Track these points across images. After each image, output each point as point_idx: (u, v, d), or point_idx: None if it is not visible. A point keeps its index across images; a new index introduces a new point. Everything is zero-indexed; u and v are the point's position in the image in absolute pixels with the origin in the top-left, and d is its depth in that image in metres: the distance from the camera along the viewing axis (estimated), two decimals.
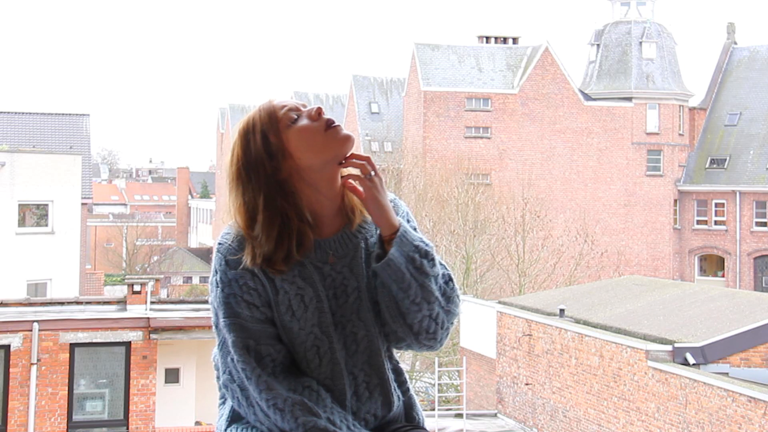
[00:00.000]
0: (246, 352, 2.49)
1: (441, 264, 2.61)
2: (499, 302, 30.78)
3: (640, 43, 61.04)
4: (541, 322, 26.74)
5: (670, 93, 60.80)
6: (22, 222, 33.90)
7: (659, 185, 59.97)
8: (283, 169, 2.53)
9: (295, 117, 2.55)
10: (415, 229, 2.66)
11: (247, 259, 2.50)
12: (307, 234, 2.53)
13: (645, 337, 22.67)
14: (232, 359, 2.52)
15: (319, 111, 2.56)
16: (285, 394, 2.47)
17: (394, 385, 2.65)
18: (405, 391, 2.70)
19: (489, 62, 60.26)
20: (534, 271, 45.22)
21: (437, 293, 2.55)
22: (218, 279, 2.53)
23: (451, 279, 2.61)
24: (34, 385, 21.32)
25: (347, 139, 2.54)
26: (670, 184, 60.19)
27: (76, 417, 21.79)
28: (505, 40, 63.06)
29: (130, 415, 21.95)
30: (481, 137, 58.25)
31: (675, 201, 60.05)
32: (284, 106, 2.58)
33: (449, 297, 2.58)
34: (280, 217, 2.51)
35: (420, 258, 2.52)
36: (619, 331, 23.73)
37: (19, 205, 33.65)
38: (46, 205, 33.95)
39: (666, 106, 60.74)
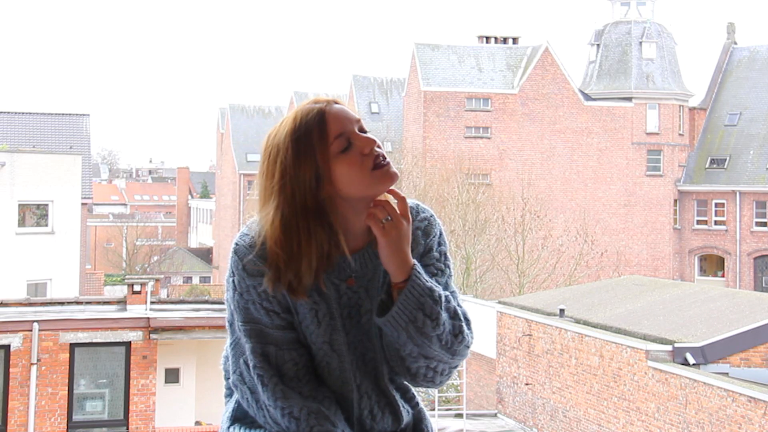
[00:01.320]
0: (264, 359, 2.43)
1: (454, 312, 2.47)
2: (499, 302, 30.76)
3: (640, 43, 60.95)
4: (541, 322, 26.73)
5: (670, 93, 60.56)
6: (22, 222, 33.91)
7: (659, 185, 59.86)
8: (324, 190, 2.41)
9: (347, 145, 2.41)
10: (444, 255, 2.58)
11: (268, 284, 2.41)
12: (333, 256, 2.45)
13: (645, 337, 22.67)
14: (246, 362, 2.46)
15: (371, 146, 2.42)
16: (301, 402, 2.42)
17: (401, 402, 2.60)
18: (414, 405, 2.65)
19: (489, 62, 60.18)
20: (534, 271, 45.19)
21: (437, 351, 2.45)
22: (236, 282, 2.45)
23: (461, 331, 2.46)
24: (34, 385, 21.31)
25: (392, 179, 2.42)
26: (670, 184, 60.02)
27: (76, 417, 21.80)
28: (505, 40, 62.96)
29: (130, 415, 21.95)
30: (481, 137, 58.18)
31: (675, 201, 59.56)
32: (339, 124, 2.42)
33: (455, 351, 2.47)
34: (316, 249, 2.41)
35: (424, 317, 2.40)
36: (619, 331, 23.73)
37: (19, 205, 33.66)
38: (46, 205, 33.95)
39: (666, 106, 60.58)
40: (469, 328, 2.51)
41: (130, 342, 21.98)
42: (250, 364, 2.44)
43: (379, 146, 2.44)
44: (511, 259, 44.81)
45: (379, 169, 2.41)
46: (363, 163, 2.40)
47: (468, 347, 2.50)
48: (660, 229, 59.29)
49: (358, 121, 2.45)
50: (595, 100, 60.15)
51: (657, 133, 60.07)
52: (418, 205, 2.58)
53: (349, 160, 2.39)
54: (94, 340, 21.78)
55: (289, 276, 2.40)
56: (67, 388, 21.55)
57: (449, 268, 2.58)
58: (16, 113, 47.29)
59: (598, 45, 62.29)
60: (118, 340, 22.02)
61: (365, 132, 2.46)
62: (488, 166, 57.15)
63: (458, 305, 2.52)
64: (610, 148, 59.34)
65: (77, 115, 47.19)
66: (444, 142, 56.90)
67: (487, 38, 62.92)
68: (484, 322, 29.66)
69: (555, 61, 59.60)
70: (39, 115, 47.14)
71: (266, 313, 2.43)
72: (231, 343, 2.51)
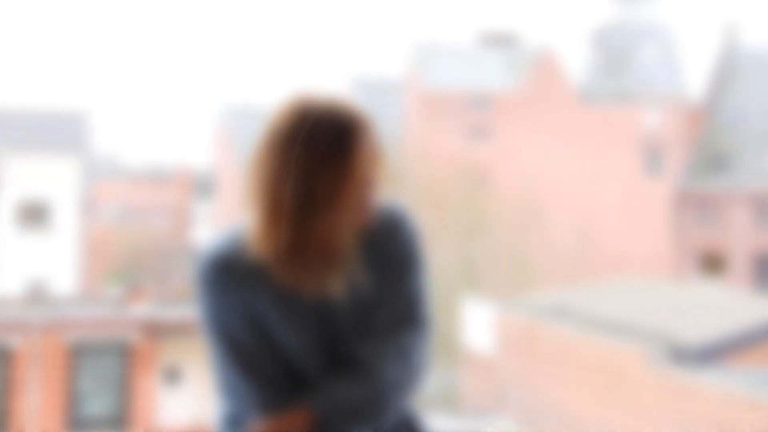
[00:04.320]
0: (244, 370, 2.41)
1: (373, 410, 2.34)
2: (499, 303, 30.76)
3: (640, 42, 61.03)
4: (542, 323, 26.74)
5: (670, 92, 60.78)
6: (21, 222, 33.91)
7: (659, 185, 59.89)
8: None
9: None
10: (408, 260, 2.45)
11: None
12: None
13: (645, 338, 22.67)
14: (226, 375, 2.44)
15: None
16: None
17: None
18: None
19: (489, 62, 60.20)
20: (533, 271, 45.14)
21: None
22: (202, 298, 2.42)
23: (397, 394, 2.36)
24: (35, 385, 21.32)
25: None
26: (670, 184, 60.23)
27: (76, 417, 21.79)
28: (505, 39, 63.03)
29: (130, 415, 21.96)
30: (483, 137, 58.16)
31: (675, 201, 60.11)
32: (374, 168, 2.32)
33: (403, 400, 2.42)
34: None
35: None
36: (619, 331, 23.73)
37: (19, 204, 33.70)
38: (46, 204, 33.98)
39: (666, 106, 60.75)
40: (418, 333, 2.41)
41: (130, 342, 21.98)
42: (230, 377, 2.42)
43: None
44: (510, 260, 44.75)
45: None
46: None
47: (421, 374, 2.41)
48: (660, 228, 59.26)
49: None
50: (595, 100, 60.16)
51: (657, 133, 60.09)
52: (386, 205, 2.47)
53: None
54: (94, 341, 21.78)
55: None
56: (67, 388, 21.55)
57: (413, 275, 2.46)
58: (15, 112, 47.29)
59: (598, 44, 62.31)
60: (118, 341, 22.02)
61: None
62: (490, 167, 57.13)
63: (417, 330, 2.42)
64: (610, 148, 59.33)
65: (77, 113, 47.20)
66: (444, 143, 56.84)
67: (488, 38, 62.91)
68: (484, 322, 29.65)
69: (555, 61, 59.58)
70: (39, 114, 47.14)
71: (237, 328, 2.39)
72: (212, 356, 2.48)
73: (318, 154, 2.26)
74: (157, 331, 21.79)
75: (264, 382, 2.40)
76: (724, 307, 24.41)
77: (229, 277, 2.38)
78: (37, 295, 31.22)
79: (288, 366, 2.43)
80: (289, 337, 2.41)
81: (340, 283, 2.36)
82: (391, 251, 2.45)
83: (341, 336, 2.43)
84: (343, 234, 2.31)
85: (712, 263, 59.66)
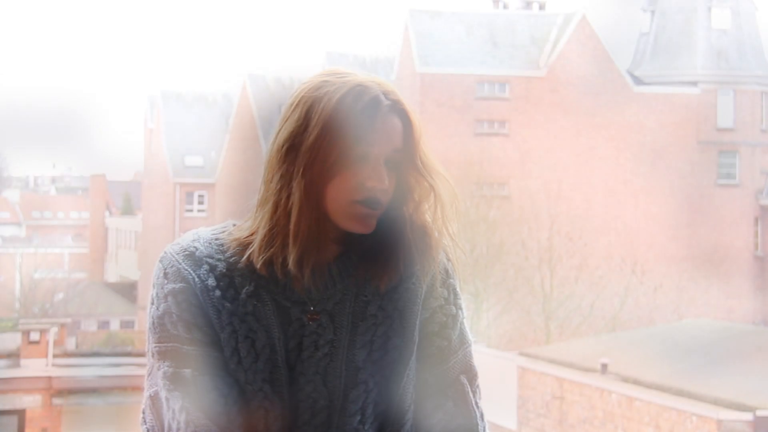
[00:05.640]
0: (226, 372, 2.59)
1: None
2: (521, 354, 30.88)
3: (710, 7, 61.24)
4: (577, 381, 26.84)
5: (749, 75, 60.85)
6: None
7: (735, 197, 59.82)
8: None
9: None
10: (454, 292, 2.71)
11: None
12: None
13: (716, 402, 22.75)
14: (209, 377, 2.59)
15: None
16: None
17: None
18: None
19: (507, 34, 60.30)
20: (565, 313, 45.28)
21: None
22: (178, 300, 2.60)
23: None
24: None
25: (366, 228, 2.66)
26: (749, 197, 59.52)
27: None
28: (528, 4, 63.28)
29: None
30: (497, 134, 58.36)
31: (756, 219, 59.60)
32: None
33: None
34: None
35: None
36: (680, 393, 23.81)
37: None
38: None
39: (744, 93, 60.55)
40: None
41: (24, 410, 21.93)
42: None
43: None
44: (535, 297, 44.89)
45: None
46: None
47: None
48: (736, 256, 59.28)
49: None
50: (648, 84, 60.43)
51: (732, 129, 60.21)
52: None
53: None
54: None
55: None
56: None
57: (461, 310, 2.70)
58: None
59: (653, 11, 62.52)
60: (7, 408, 21.98)
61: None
62: (506, 173, 57.32)
63: (470, 363, 2.68)
64: (667, 148, 59.43)
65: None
66: (447, 141, 56.86)
67: (505, 2, 63.17)
68: (500, 380, 29.71)
69: (595, 33, 59.66)
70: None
71: (226, 330, 2.58)
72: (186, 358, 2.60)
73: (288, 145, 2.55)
74: (63, 395, 21.76)
75: (247, 384, 2.55)
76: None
77: (212, 277, 2.61)
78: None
79: (264, 363, 2.57)
80: (270, 335, 2.58)
81: (319, 278, 2.59)
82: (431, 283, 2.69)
83: (314, 380, 2.58)
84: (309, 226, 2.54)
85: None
